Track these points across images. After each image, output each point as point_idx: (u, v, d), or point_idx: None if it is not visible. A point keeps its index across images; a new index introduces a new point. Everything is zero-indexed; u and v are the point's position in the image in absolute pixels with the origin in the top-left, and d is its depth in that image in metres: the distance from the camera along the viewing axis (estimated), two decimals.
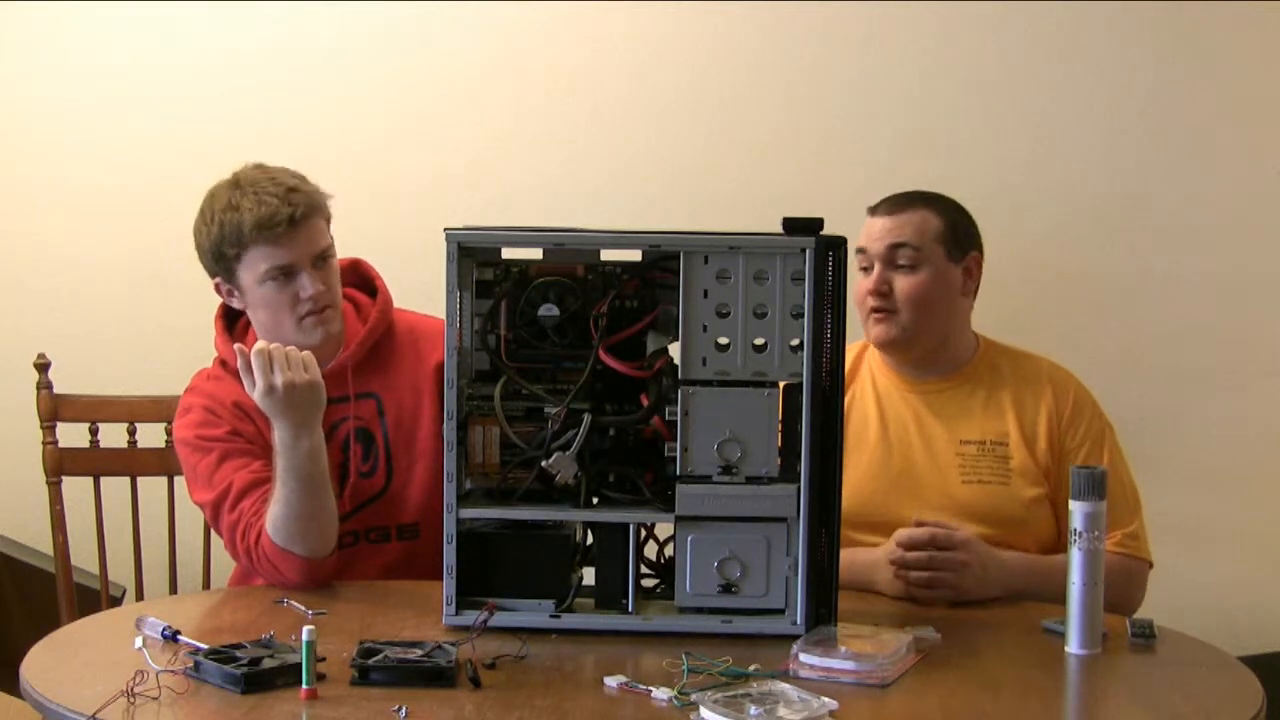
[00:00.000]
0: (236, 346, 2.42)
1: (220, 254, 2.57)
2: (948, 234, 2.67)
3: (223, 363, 2.66)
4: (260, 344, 2.41)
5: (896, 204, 2.69)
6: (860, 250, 2.69)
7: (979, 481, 2.62)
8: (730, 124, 3.31)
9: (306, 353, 2.44)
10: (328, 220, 2.62)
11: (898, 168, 2.83)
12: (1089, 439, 2.65)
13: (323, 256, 2.59)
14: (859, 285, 2.68)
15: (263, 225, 2.52)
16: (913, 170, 2.79)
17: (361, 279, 2.78)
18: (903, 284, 2.65)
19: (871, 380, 2.74)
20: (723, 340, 2.22)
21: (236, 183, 2.57)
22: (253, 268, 2.56)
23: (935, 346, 2.70)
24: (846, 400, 2.69)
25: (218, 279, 2.63)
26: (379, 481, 2.66)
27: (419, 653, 2.03)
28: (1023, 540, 2.59)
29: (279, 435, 2.42)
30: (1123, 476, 2.64)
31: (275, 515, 2.43)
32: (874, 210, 2.71)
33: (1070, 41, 3.26)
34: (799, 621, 2.21)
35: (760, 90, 3.30)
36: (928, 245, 2.65)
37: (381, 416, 2.67)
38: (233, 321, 2.71)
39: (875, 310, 2.66)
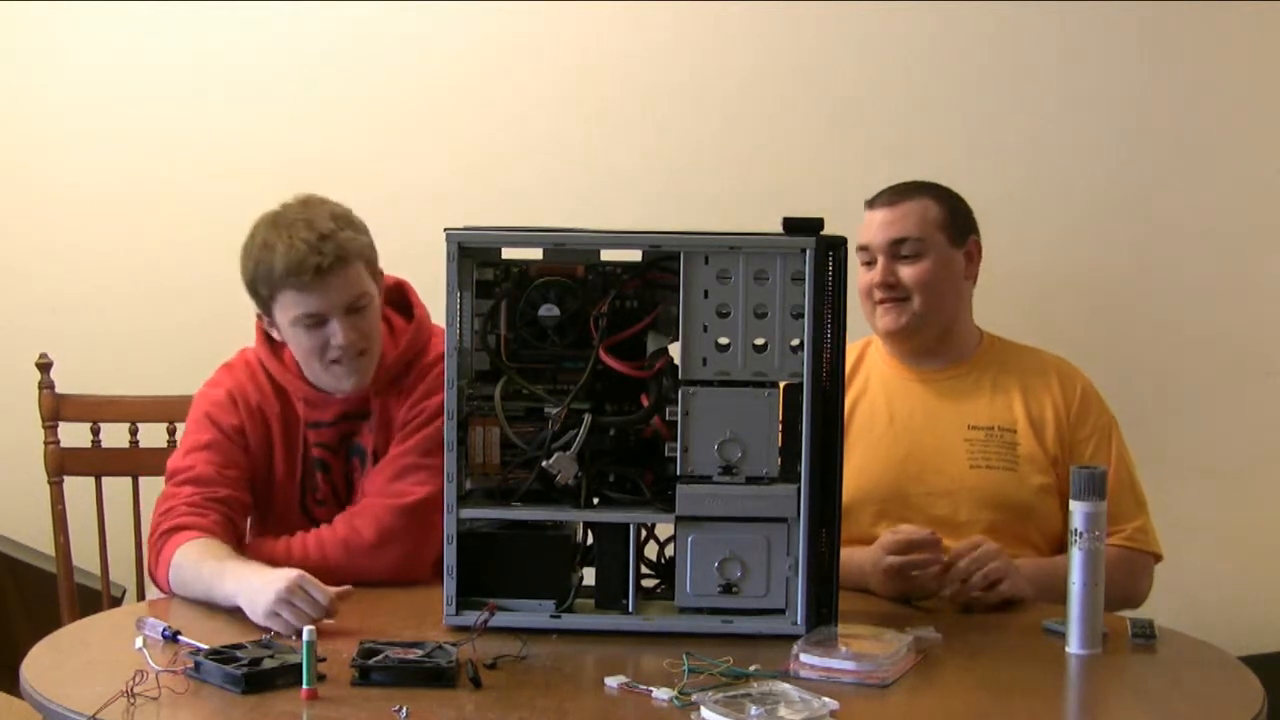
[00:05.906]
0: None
1: (256, 291, 2.53)
2: (948, 220, 2.68)
3: (261, 363, 2.62)
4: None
5: (895, 195, 2.70)
6: (862, 247, 2.69)
7: (987, 466, 2.61)
8: (730, 124, 3.30)
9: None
10: (369, 264, 2.54)
11: (897, 168, 2.83)
12: (1097, 432, 2.65)
13: (355, 305, 2.52)
14: (861, 279, 2.68)
15: (290, 272, 2.46)
16: (912, 171, 2.79)
17: (400, 300, 2.70)
18: (909, 272, 2.65)
19: (877, 372, 2.74)
20: (723, 340, 2.22)
21: (275, 220, 2.51)
22: (284, 310, 2.51)
23: (942, 332, 2.70)
24: (853, 394, 2.70)
25: (259, 312, 2.59)
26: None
27: (419, 653, 2.03)
28: (1029, 530, 2.59)
29: (227, 585, 2.32)
30: (1130, 472, 2.65)
31: (181, 571, 2.41)
32: (872, 204, 2.71)
33: (1070, 42, 3.26)
34: (799, 621, 2.21)
35: (760, 90, 3.30)
36: (930, 233, 2.66)
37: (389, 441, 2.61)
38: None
39: (883, 300, 2.66)
